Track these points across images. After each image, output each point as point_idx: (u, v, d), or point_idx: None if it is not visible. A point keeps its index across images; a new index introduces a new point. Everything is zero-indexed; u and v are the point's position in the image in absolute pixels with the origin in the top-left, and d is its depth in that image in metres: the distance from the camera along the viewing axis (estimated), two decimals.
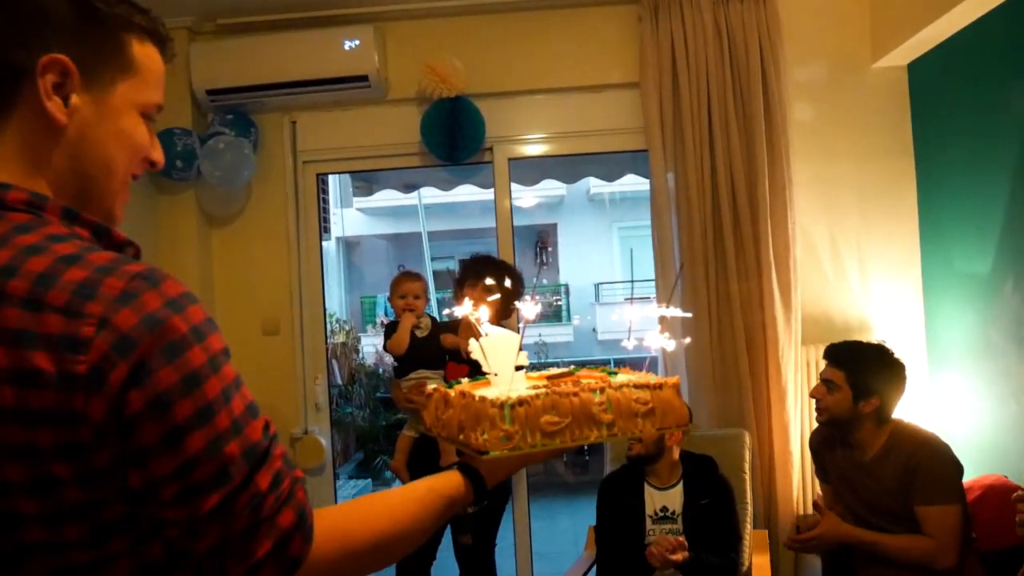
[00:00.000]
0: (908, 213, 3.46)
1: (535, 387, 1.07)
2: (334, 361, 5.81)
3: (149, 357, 0.73)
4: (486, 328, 1.17)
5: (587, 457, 6.74)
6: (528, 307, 1.27)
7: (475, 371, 2.10)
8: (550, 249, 13.61)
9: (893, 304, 3.44)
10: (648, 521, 2.62)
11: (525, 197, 11.36)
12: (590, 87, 3.58)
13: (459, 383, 1.22)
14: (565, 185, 12.01)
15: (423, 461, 2.91)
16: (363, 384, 6.32)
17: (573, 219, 13.32)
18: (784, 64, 3.32)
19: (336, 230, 12.49)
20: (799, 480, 3.26)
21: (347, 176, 8.99)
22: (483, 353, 1.14)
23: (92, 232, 0.84)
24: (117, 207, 0.92)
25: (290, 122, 3.65)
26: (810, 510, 3.25)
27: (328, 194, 8.05)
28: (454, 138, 3.40)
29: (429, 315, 3.17)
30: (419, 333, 3.06)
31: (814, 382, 3.28)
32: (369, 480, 5.32)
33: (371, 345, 10.65)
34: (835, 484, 2.63)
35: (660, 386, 1.12)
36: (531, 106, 3.62)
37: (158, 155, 0.96)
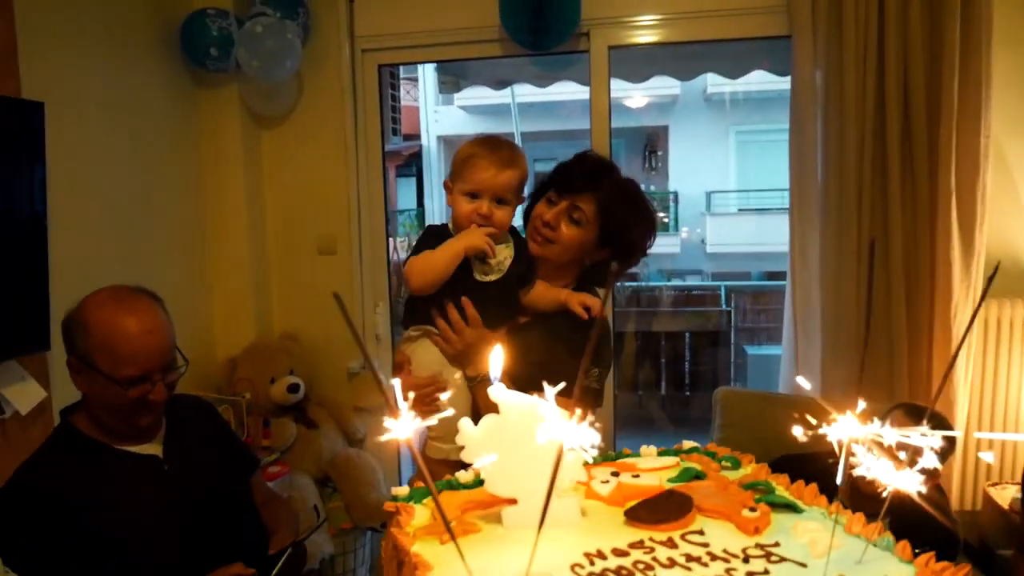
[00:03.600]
0: None
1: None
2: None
3: None
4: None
5: (687, 392, 6.12)
6: None
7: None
8: (659, 153, 12.58)
9: None
10: None
11: (634, 96, 10.34)
12: None
13: None
14: (679, 83, 10.89)
15: None
16: None
17: (686, 121, 12.17)
18: None
19: (437, 128, 11.94)
20: (959, 476, 2.57)
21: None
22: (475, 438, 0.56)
23: None
24: None
25: (346, 1, 3.04)
26: (970, 508, 2.58)
27: (409, 91, 7.41)
28: (540, 19, 2.70)
29: (514, 237, 1.63)
30: (483, 274, 1.55)
31: (994, 348, 2.56)
32: None
33: None
34: None
35: None
36: None
37: None
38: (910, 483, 0.66)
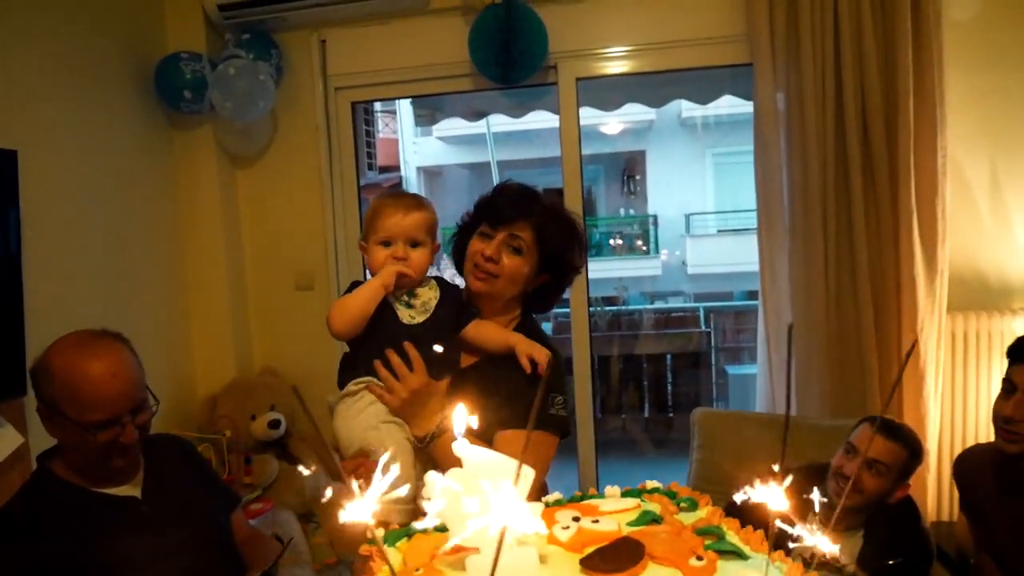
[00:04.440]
0: None
1: None
2: None
3: None
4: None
5: (671, 414, 6.16)
6: None
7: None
8: (638, 178, 12.73)
9: None
10: None
11: (610, 123, 10.51)
12: None
13: None
14: (654, 109, 11.06)
15: None
16: None
17: (663, 146, 12.34)
18: None
19: (416, 159, 12.03)
20: (935, 488, 2.61)
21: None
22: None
23: None
24: None
25: (318, 41, 3.10)
26: (947, 519, 2.62)
27: (388, 124, 7.48)
28: (508, 54, 2.76)
29: (437, 280, 1.61)
30: (409, 317, 1.51)
31: (962, 360, 2.62)
32: None
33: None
34: (997, 536, 1.96)
35: None
36: (604, 12, 2.93)
37: None
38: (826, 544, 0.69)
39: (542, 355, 1.51)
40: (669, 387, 6.20)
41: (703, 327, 6.47)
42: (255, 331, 3.27)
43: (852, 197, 2.58)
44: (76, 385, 1.43)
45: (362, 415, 1.47)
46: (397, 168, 11.62)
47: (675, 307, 7.78)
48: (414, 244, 1.53)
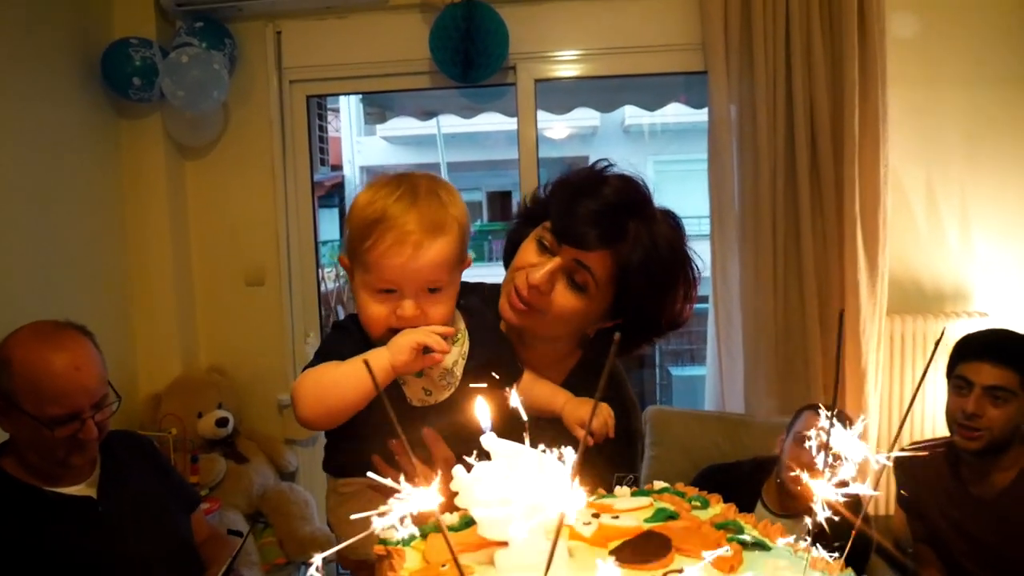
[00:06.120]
0: None
1: None
2: (340, 308, 5.35)
3: None
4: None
5: None
6: None
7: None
8: None
9: (1000, 270, 2.82)
10: None
11: (555, 127, 10.60)
12: None
13: None
14: (599, 115, 11.21)
15: None
16: None
17: (606, 151, 12.34)
18: None
19: (359, 159, 11.88)
20: (871, 483, 2.72)
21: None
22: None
23: None
24: None
25: (274, 32, 3.04)
26: (883, 513, 2.74)
27: (331, 121, 7.39)
28: (468, 53, 2.77)
29: (464, 311, 1.14)
30: (423, 393, 1.06)
31: (899, 361, 2.74)
32: None
33: None
34: (941, 530, 2.05)
35: None
36: (564, 15, 2.96)
37: None
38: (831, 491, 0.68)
39: (600, 422, 1.10)
40: None
41: None
42: (202, 327, 3.18)
43: (800, 204, 2.67)
44: (37, 378, 1.37)
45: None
46: (340, 167, 11.46)
47: None
48: (434, 289, 1.02)
